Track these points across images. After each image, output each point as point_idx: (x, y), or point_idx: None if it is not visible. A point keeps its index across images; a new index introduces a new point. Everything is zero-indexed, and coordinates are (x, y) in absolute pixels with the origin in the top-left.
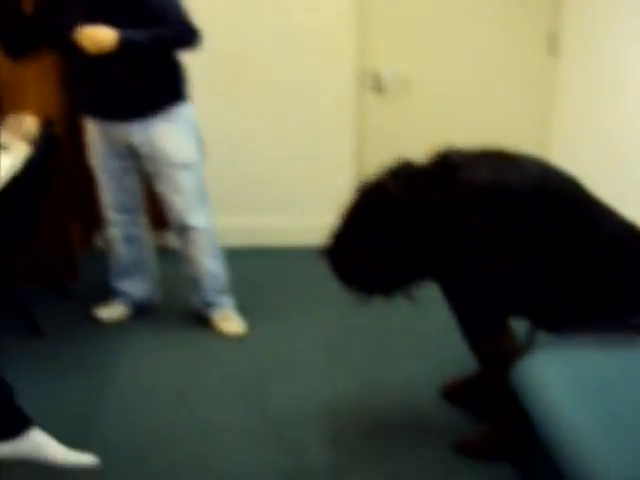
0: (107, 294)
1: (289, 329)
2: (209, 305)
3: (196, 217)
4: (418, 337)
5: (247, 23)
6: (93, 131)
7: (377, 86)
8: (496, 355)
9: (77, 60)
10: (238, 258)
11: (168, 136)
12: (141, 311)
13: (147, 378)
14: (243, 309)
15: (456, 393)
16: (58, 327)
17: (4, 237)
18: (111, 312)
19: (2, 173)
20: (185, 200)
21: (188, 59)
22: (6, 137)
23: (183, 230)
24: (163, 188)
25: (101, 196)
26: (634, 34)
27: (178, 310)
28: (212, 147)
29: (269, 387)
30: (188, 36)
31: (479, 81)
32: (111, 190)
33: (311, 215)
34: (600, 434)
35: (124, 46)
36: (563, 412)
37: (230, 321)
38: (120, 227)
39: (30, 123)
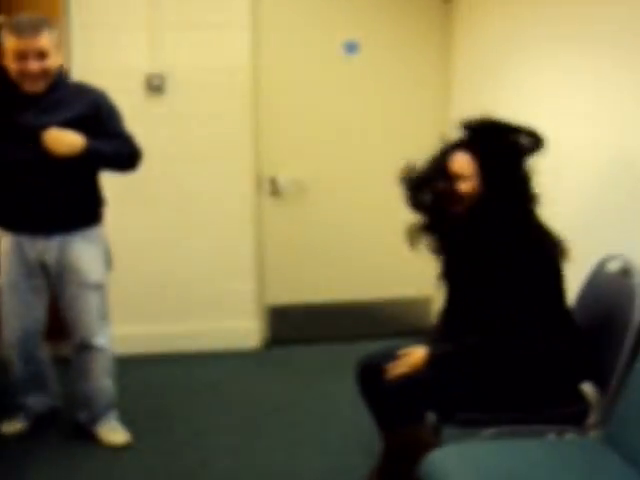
0: (9, 407)
1: (202, 427)
2: (96, 420)
3: (99, 337)
4: (323, 438)
5: (149, 132)
6: (7, 248)
7: (274, 190)
8: (407, 446)
9: (12, 173)
10: (138, 364)
11: (84, 255)
12: (43, 424)
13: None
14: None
15: None
16: None
17: None
18: (11, 426)
19: None
20: (90, 320)
21: None
22: None
23: (84, 349)
24: (70, 307)
25: (4, 316)
26: None
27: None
28: (115, 253)
29: None
30: (137, 156)
31: (373, 179)
32: (17, 313)
33: (212, 320)
34: None
35: (88, 153)
36: None
37: (116, 432)
38: (19, 348)
39: None
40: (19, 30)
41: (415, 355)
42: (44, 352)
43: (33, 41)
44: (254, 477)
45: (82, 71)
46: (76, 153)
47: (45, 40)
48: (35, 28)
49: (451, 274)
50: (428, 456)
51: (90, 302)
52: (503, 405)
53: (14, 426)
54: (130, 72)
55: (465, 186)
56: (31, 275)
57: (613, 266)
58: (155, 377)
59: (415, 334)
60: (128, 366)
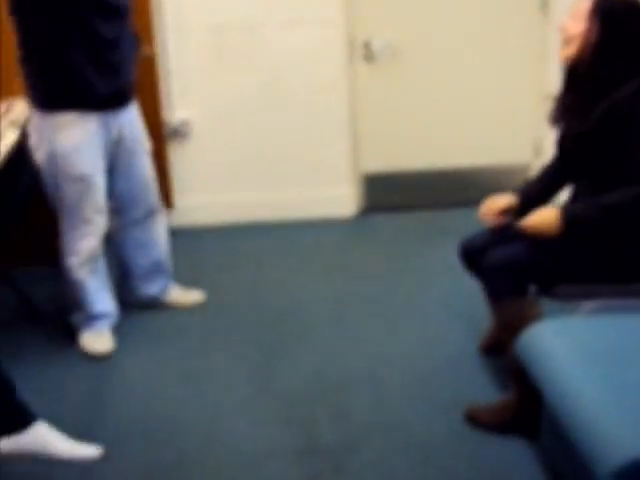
0: None
1: (297, 298)
2: (169, 286)
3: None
4: (422, 307)
5: None
6: (83, 133)
7: (368, 55)
8: (515, 319)
9: (81, 41)
10: (233, 233)
11: (139, 122)
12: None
13: (152, 363)
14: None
15: (493, 346)
16: (58, 309)
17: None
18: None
19: None
20: (154, 183)
21: (175, 36)
22: None
23: (154, 214)
24: (139, 176)
25: (90, 200)
26: None
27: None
28: (202, 122)
29: (276, 364)
30: None
31: (471, 45)
32: (100, 191)
33: (307, 188)
34: (606, 401)
35: None
36: (568, 380)
37: (189, 293)
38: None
39: (20, 109)
40: None
41: (546, 215)
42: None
43: None
44: (351, 346)
45: None
46: None
47: None
48: None
49: (572, 139)
50: (525, 331)
51: (150, 165)
52: (604, 278)
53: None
54: None
55: (575, 26)
56: (105, 155)
57: None
58: (249, 246)
59: None
60: (220, 236)
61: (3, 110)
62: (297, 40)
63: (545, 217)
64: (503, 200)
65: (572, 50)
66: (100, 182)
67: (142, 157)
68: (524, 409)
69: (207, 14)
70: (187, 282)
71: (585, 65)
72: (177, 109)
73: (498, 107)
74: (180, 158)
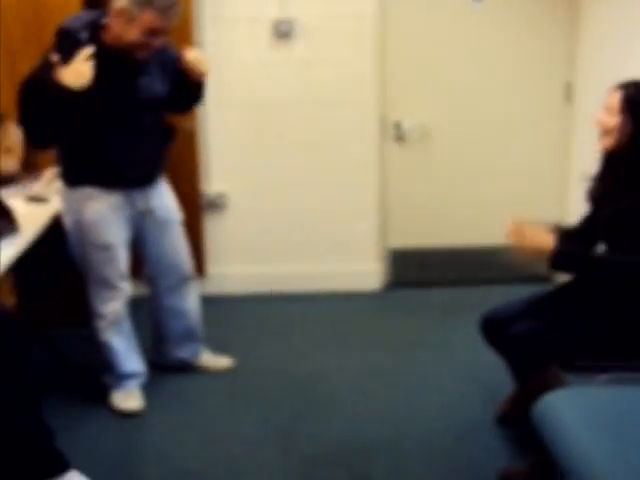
0: None
1: (322, 366)
2: (199, 351)
3: (190, 267)
4: (441, 378)
5: (273, 76)
6: (108, 206)
7: (398, 135)
8: (539, 390)
9: (118, 132)
10: (264, 303)
11: (169, 195)
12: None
13: (180, 423)
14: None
15: (510, 416)
16: (91, 369)
17: (38, 283)
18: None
19: (39, 222)
20: (186, 252)
21: (215, 112)
22: (43, 188)
23: (186, 282)
24: (171, 247)
25: (114, 267)
26: None
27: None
28: (238, 195)
29: (299, 428)
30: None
31: (497, 129)
32: (123, 259)
33: (334, 262)
34: (617, 471)
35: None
36: (581, 449)
37: (219, 358)
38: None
39: None
40: (162, 8)
41: (544, 239)
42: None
43: (172, 22)
44: (373, 413)
45: (212, 19)
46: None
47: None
48: (176, 9)
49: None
50: (541, 399)
51: (181, 235)
52: (619, 351)
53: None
54: (258, 18)
55: (610, 120)
56: (127, 227)
57: None
58: (278, 315)
59: (533, 281)
60: (250, 304)
61: (50, 176)
62: (331, 119)
63: (543, 243)
64: (547, 240)
65: (610, 141)
66: (123, 251)
67: (173, 227)
68: (540, 477)
69: (246, 91)
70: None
71: (623, 153)
72: (215, 182)
73: (522, 188)
74: (215, 229)
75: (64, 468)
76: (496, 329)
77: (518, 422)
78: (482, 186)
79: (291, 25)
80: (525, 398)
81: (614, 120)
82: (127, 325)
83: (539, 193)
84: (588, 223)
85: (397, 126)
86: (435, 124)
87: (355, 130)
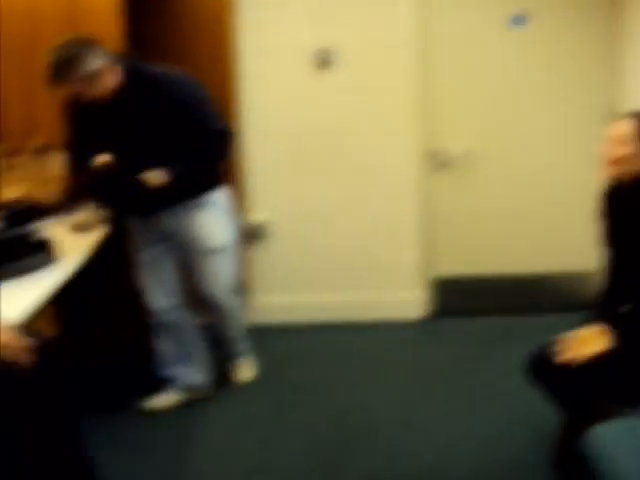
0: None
1: (365, 395)
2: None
3: (224, 300)
4: (485, 409)
5: (314, 104)
6: (135, 226)
7: (442, 162)
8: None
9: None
10: (308, 332)
11: (197, 222)
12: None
13: (225, 450)
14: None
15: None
16: (137, 400)
17: (81, 313)
18: (161, 401)
19: (81, 251)
20: (219, 279)
21: (257, 141)
22: (87, 217)
23: (219, 308)
24: (198, 269)
25: (145, 289)
26: None
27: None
28: (281, 223)
29: (342, 458)
30: (224, 142)
31: (542, 157)
32: (155, 285)
33: (376, 291)
34: None
35: (176, 180)
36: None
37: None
38: (161, 319)
39: None
40: (53, 77)
41: (596, 344)
42: (189, 323)
43: (66, 87)
44: (415, 444)
45: (252, 48)
46: (165, 184)
47: (78, 80)
48: (62, 74)
49: (616, 242)
50: (590, 430)
51: (209, 266)
52: None
53: (161, 401)
54: (298, 48)
55: (620, 150)
56: (155, 241)
57: None
58: (320, 345)
59: (580, 309)
60: (292, 334)
61: (95, 205)
62: (374, 147)
63: (598, 347)
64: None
65: (618, 170)
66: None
67: (199, 254)
68: None
69: (287, 120)
70: (262, 378)
71: (631, 185)
72: (258, 210)
73: (568, 215)
74: (259, 258)
75: None
76: (543, 367)
77: (566, 455)
78: (527, 213)
79: (332, 54)
80: (573, 430)
81: (625, 150)
82: (186, 333)
83: (585, 219)
84: (618, 273)
85: (440, 153)
86: (480, 150)
87: (398, 158)
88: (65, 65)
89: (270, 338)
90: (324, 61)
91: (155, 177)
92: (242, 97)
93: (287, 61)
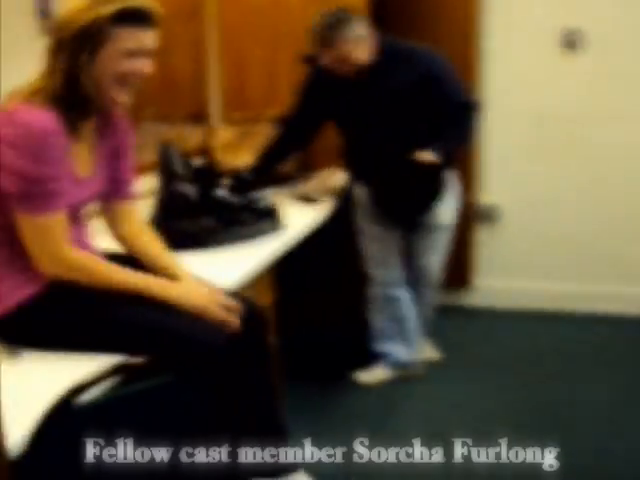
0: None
1: (574, 391)
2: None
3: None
4: None
5: (557, 88)
6: (364, 197)
7: None
8: None
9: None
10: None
11: None
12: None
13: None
14: None
15: None
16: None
17: (309, 283)
18: (371, 376)
19: (304, 223)
20: (433, 259)
21: (497, 122)
22: (314, 190)
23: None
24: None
25: (368, 262)
26: None
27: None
28: (512, 208)
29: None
30: (474, 114)
31: None
32: (380, 259)
33: (607, 282)
34: None
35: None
36: None
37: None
38: (381, 294)
39: (338, 178)
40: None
41: None
42: (408, 299)
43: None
44: (620, 448)
45: (498, 26)
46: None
47: (348, 41)
48: (333, 34)
49: None
50: None
51: (433, 241)
52: None
53: (373, 375)
54: (546, 27)
55: None
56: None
57: None
58: (538, 334)
59: None
60: (513, 320)
61: (325, 176)
62: (618, 135)
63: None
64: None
65: None
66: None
67: (426, 229)
68: None
69: (528, 102)
70: (472, 360)
71: None
72: (490, 193)
73: None
74: (486, 241)
75: (292, 469)
76: None
77: None
78: None
79: (580, 35)
80: None
81: None
82: (405, 311)
83: None
84: None
85: None
86: None
87: None
88: (336, 25)
89: (487, 322)
90: (571, 42)
91: (428, 156)
92: (483, 77)
93: (533, 40)
